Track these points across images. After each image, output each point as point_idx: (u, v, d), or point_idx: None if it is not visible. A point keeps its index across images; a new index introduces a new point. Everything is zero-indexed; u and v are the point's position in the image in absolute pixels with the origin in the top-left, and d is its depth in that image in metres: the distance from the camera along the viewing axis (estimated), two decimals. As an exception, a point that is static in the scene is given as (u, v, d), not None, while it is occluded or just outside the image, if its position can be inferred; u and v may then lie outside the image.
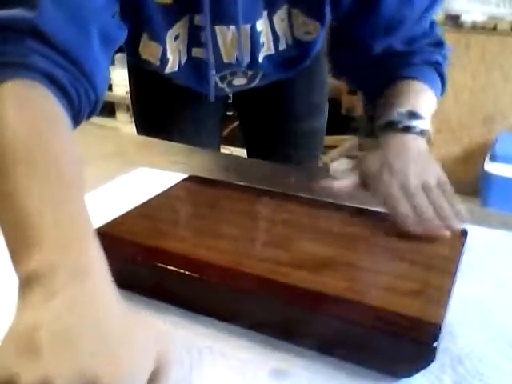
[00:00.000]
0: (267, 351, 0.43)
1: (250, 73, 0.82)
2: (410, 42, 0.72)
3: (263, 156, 1.01)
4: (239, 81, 0.84)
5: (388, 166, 0.59)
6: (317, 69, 0.99)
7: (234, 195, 0.63)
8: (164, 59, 0.75)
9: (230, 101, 1.04)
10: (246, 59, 0.77)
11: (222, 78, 0.83)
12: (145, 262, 0.49)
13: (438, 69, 0.74)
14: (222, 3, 0.69)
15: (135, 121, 1.05)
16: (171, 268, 0.47)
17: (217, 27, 0.72)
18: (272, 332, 0.44)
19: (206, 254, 0.49)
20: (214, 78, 0.81)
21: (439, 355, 0.40)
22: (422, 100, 0.68)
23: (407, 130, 0.63)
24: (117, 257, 0.50)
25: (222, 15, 0.70)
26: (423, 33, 0.72)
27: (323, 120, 1.06)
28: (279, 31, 0.75)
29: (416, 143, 0.62)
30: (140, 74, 0.95)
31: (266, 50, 0.77)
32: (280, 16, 0.74)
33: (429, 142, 0.65)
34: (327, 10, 0.72)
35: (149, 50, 0.75)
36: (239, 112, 1.08)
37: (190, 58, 0.77)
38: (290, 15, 0.74)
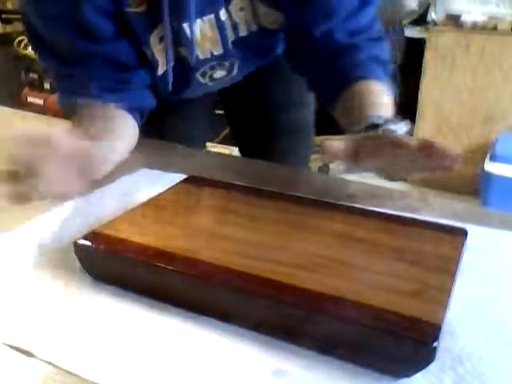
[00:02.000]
0: (267, 351, 0.43)
1: (226, 63, 0.84)
2: (352, 34, 0.73)
3: (251, 151, 1.03)
4: (219, 73, 0.86)
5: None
6: None
7: (233, 195, 0.63)
8: (153, 61, 0.78)
9: (219, 98, 1.07)
10: (219, 50, 0.79)
11: (203, 74, 0.84)
12: (145, 263, 0.49)
13: (385, 67, 0.74)
14: (178, 2, 0.71)
15: None
16: (171, 268, 0.47)
17: (184, 25, 0.74)
18: (272, 332, 0.45)
19: (205, 255, 0.49)
20: (196, 75, 0.83)
21: (439, 355, 0.40)
22: (388, 103, 0.69)
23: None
24: (117, 257, 0.51)
25: (181, 13, 0.72)
26: (365, 26, 0.74)
27: (307, 115, 1.06)
28: (237, 19, 0.77)
29: None
30: None
31: (229, 36, 0.79)
32: (237, 5, 0.76)
33: None
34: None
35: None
36: (226, 107, 1.11)
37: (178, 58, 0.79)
38: (253, 5, 0.76)
